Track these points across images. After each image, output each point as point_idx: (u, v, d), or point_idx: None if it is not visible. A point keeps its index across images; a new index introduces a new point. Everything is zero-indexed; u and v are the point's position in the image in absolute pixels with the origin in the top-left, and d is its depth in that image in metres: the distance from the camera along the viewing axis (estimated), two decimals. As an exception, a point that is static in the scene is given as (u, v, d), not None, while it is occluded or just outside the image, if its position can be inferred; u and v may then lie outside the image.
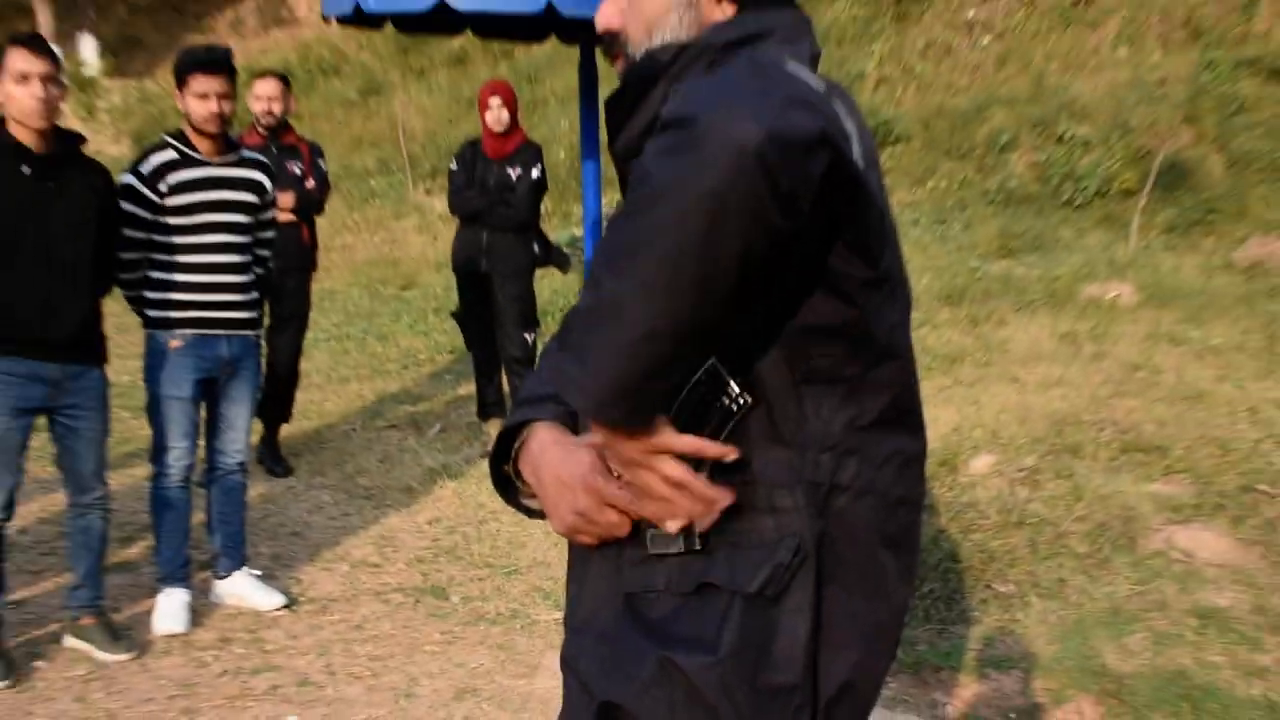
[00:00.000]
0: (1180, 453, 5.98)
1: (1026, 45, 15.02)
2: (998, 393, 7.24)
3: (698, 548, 1.71)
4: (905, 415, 1.81)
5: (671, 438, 1.62)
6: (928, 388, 7.55)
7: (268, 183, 5.19)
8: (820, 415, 1.71)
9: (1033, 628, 4.91)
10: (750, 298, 1.57)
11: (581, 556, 1.89)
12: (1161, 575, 5.10)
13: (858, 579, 1.75)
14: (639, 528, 1.76)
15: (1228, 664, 4.53)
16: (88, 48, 22.12)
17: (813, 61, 1.83)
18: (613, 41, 1.91)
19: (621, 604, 1.79)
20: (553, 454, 1.81)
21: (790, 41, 1.79)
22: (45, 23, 21.68)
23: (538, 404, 1.94)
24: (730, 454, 1.65)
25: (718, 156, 1.39)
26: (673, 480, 1.63)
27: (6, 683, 4.53)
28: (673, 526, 1.69)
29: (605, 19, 1.90)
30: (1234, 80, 12.62)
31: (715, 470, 1.67)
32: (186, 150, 4.96)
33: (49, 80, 4.45)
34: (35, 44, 4.51)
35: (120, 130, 19.69)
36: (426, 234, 14.73)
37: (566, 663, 1.89)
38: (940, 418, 6.84)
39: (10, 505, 4.65)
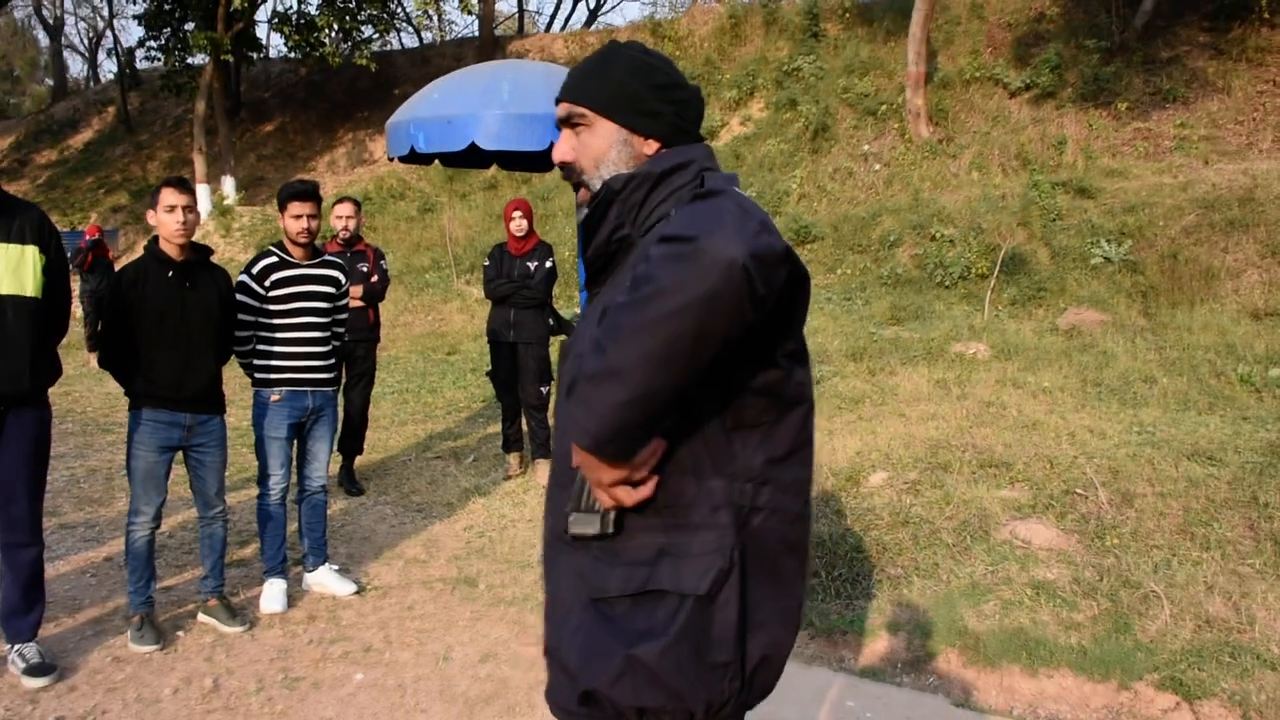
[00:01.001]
0: (1021, 467, 5.95)
1: (906, 171, 15.15)
2: (889, 425, 7.21)
3: (610, 531, 1.72)
4: (803, 449, 1.79)
5: (636, 469, 1.65)
6: (838, 423, 7.65)
7: (342, 279, 5.18)
8: (745, 453, 1.71)
9: (915, 600, 4.87)
10: (715, 368, 1.59)
11: (552, 562, 1.87)
12: (1007, 558, 5.07)
13: (770, 577, 1.75)
14: (602, 541, 1.76)
15: (1054, 621, 4.50)
16: (228, 185, 22.23)
17: (726, 178, 1.83)
18: (569, 171, 1.90)
19: (589, 605, 1.75)
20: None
21: (706, 167, 1.81)
22: (200, 169, 21.87)
23: None
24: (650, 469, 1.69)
25: (713, 268, 1.45)
26: (624, 500, 1.67)
27: (158, 646, 4.52)
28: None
29: (560, 154, 1.90)
30: (1053, 196, 12.73)
31: (671, 495, 1.70)
32: (284, 256, 4.98)
33: (188, 210, 4.50)
34: (179, 184, 4.55)
35: (248, 243, 19.80)
36: (466, 313, 14.76)
37: (550, 651, 1.84)
38: (847, 445, 6.82)
39: (159, 517, 4.63)
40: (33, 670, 4.16)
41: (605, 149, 1.85)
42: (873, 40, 18.62)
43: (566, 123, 1.89)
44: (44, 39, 44.60)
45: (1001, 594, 4.76)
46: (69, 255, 19.27)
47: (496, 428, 8.56)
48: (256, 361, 4.95)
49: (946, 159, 15.18)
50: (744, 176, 16.53)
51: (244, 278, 4.91)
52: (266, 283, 4.89)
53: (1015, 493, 5.71)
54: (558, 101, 1.90)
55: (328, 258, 5.15)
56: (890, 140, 15.97)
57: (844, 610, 4.89)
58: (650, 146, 1.85)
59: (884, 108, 16.39)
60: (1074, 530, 5.24)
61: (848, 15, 19.55)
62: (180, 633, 4.71)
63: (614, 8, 73.40)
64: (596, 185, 1.86)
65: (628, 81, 1.84)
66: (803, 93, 17.70)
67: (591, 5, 34.54)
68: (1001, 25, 17.83)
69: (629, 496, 1.67)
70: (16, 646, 4.23)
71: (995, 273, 11.37)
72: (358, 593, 5.24)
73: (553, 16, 42.25)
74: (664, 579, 1.68)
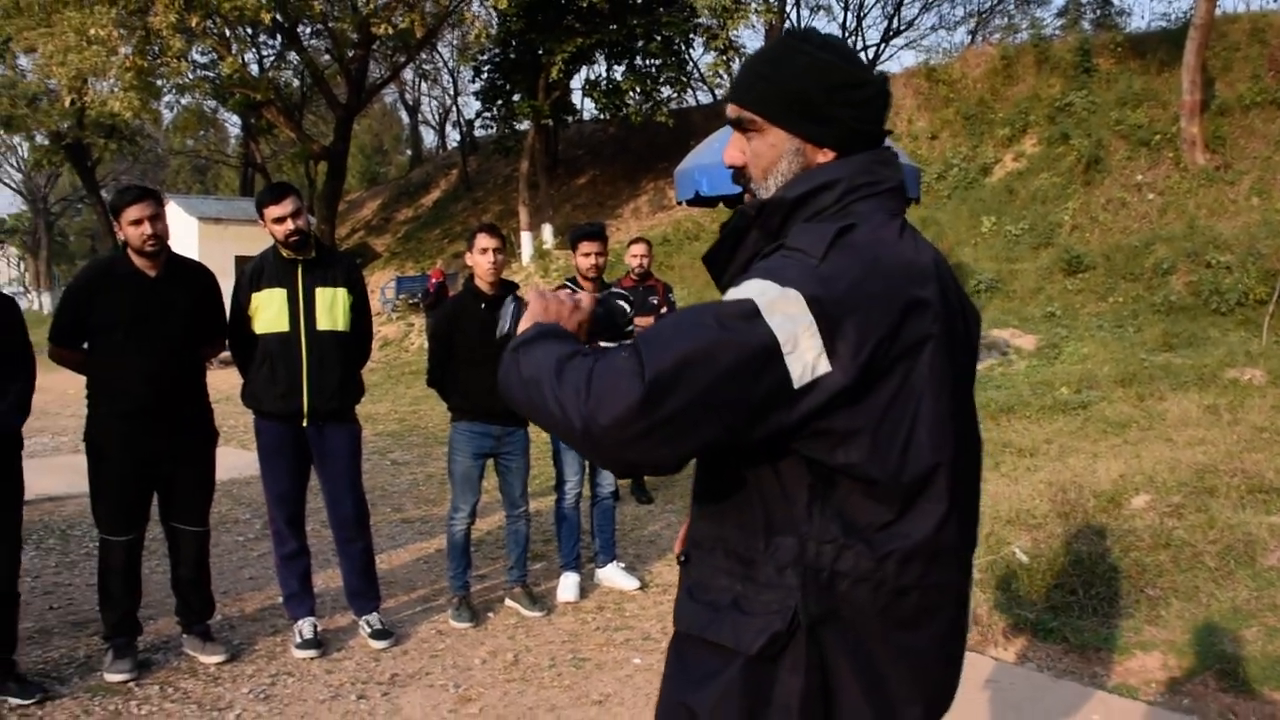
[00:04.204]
0: (1295, 493, 5.40)
1: (1181, 199, 13.97)
2: (1155, 449, 6.69)
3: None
4: (900, 522, 1.47)
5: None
6: (1102, 446, 7.16)
7: (628, 308, 5.36)
8: (820, 515, 1.46)
9: (1172, 622, 4.50)
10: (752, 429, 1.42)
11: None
12: (1274, 585, 4.58)
13: (872, 648, 1.48)
14: (694, 574, 1.60)
15: (1323, 652, 4.04)
16: (547, 232, 23.34)
17: (890, 193, 1.56)
18: (739, 176, 1.65)
19: (675, 636, 1.62)
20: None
21: (855, 188, 1.53)
22: (524, 219, 23.11)
23: None
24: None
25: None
26: None
27: (472, 624, 4.83)
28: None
29: (730, 158, 1.64)
30: (1338, 218, 11.45)
31: (740, 544, 1.51)
32: (576, 289, 5.22)
33: (497, 252, 4.81)
34: (491, 230, 4.88)
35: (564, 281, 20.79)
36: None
37: None
38: (1111, 468, 6.39)
39: (474, 514, 4.95)
40: (376, 635, 4.59)
41: (776, 159, 1.58)
42: (1146, 72, 17.31)
43: (738, 125, 1.62)
44: (405, 118, 48.97)
45: (1266, 620, 4.31)
46: (419, 296, 20.97)
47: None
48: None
49: (1224, 186, 13.86)
50: (1017, 210, 15.77)
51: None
52: (565, 314, 5.13)
53: (1287, 518, 5.15)
54: (728, 101, 1.63)
55: (614, 290, 5.38)
56: (1165, 170, 14.79)
57: (1099, 628, 4.57)
58: (825, 155, 1.56)
59: (1158, 138, 15.21)
60: (1351, 558, 4.67)
61: (1119, 49, 18.30)
62: (490, 614, 5.02)
63: (892, 56, 72.16)
64: (764, 195, 1.60)
65: (802, 84, 1.53)
66: (1075, 126, 16.71)
67: (870, 56, 34.11)
68: (1286, 48, 16.15)
69: None
70: (364, 617, 4.67)
71: (1275, 298, 10.29)
72: (641, 588, 5.39)
73: (834, 69, 41.79)
74: (723, 631, 1.49)
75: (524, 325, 1.57)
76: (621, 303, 5.25)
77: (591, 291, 5.17)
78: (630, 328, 5.34)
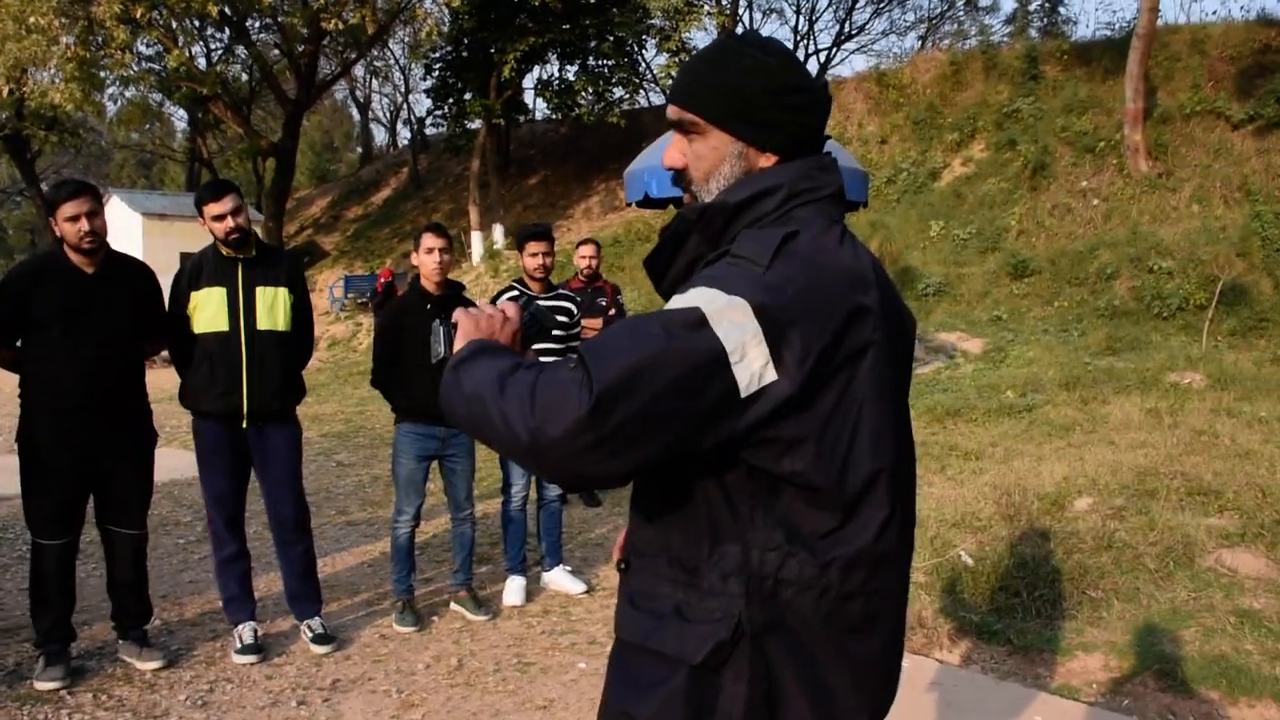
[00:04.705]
0: (1231, 495, 5.48)
1: (1125, 205, 14.29)
2: (1098, 452, 6.80)
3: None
4: (843, 529, 1.45)
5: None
6: (1046, 449, 7.26)
7: (574, 309, 5.34)
8: (764, 523, 1.44)
9: (1113, 623, 4.56)
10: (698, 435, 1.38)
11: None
12: (1211, 585, 4.67)
13: (817, 656, 1.46)
14: (634, 581, 1.57)
15: (1257, 651, 4.09)
16: (498, 232, 23.27)
17: (830, 199, 1.53)
18: (680, 178, 1.61)
19: (617, 643, 1.59)
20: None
21: (796, 193, 1.50)
22: (474, 218, 23.06)
23: None
24: None
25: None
26: None
27: (416, 628, 4.75)
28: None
29: (670, 160, 1.60)
30: (1277, 226, 11.74)
31: (684, 552, 1.48)
32: (524, 290, 5.18)
33: (443, 252, 4.75)
34: (437, 230, 4.81)
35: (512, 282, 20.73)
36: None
37: None
38: (1054, 470, 6.49)
39: (418, 517, 4.88)
40: (318, 640, 4.50)
41: (718, 161, 1.55)
42: (1091, 80, 17.66)
43: (679, 127, 1.59)
44: (356, 114, 48.52)
45: (1203, 621, 4.38)
46: (367, 295, 20.73)
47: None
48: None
49: (1166, 193, 14.20)
50: (965, 215, 15.98)
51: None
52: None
53: (1223, 521, 5.26)
54: (668, 102, 1.59)
55: (561, 291, 5.35)
56: (1109, 176, 15.10)
57: (1042, 629, 4.62)
58: (767, 159, 1.54)
59: (1102, 145, 15.52)
60: (1285, 560, 4.77)
61: (1066, 56, 18.66)
62: (435, 618, 4.96)
63: (843, 60, 72.83)
64: (706, 198, 1.56)
65: (744, 86, 1.51)
66: (1022, 133, 17.00)
67: (821, 60, 34.40)
68: (1224, 59, 16.54)
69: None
70: (305, 621, 4.58)
71: (1214, 304, 10.53)
72: (587, 592, 5.35)
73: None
74: (667, 639, 1.47)
75: (458, 344, 1.54)
76: (566, 303, 5.24)
77: (539, 292, 5.16)
78: (577, 329, 5.33)
